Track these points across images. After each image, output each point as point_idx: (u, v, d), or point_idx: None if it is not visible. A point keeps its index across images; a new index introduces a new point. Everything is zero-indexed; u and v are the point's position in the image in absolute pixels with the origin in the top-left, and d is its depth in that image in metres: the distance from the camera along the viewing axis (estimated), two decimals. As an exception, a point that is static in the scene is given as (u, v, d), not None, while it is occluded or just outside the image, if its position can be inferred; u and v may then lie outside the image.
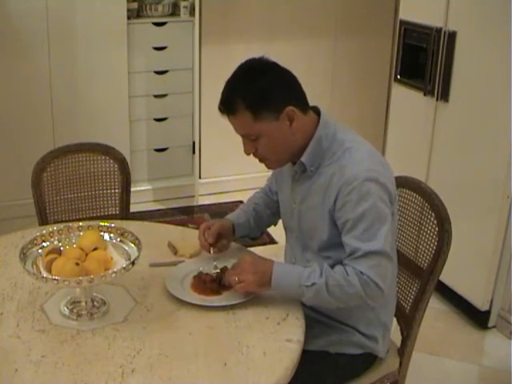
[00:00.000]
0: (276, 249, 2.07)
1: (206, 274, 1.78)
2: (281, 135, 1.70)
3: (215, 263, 1.84)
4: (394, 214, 1.72)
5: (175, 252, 1.96)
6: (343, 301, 1.67)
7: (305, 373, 1.65)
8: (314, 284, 1.63)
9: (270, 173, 2.01)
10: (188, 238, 2.03)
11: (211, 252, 1.88)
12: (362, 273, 1.61)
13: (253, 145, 1.72)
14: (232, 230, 1.95)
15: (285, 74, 1.73)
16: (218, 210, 4.13)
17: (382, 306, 1.82)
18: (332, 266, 1.70)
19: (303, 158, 1.74)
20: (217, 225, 1.91)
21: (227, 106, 1.69)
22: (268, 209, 2.03)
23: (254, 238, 2.06)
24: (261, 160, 1.78)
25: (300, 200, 1.80)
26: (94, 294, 1.69)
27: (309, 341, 1.68)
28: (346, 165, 1.68)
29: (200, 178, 4.28)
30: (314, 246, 1.78)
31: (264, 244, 3.61)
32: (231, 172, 4.40)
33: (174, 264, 1.87)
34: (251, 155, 1.77)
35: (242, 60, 1.78)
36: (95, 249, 1.69)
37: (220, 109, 1.72)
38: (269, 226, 2.08)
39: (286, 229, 1.94)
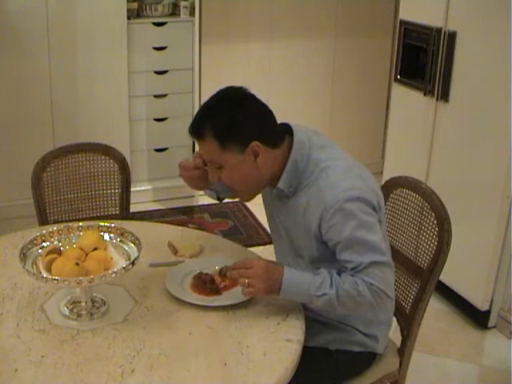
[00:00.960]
0: (271, 252, 2.06)
1: (206, 274, 1.78)
2: (244, 169, 1.69)
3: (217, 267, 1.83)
4: (381, 222, 1.71)
5: (175, 252, 1.96)
6: (352, 309, 1.70)
7: (305, 370, 1.64)
8: (324, 294, 1.62)
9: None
10: (188, 237, 2.02)
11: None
12: (371, 284, 1.61)
13: (217, 173, 1.71)
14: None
15: (258, 109, 1.71)
16: (218, 210, 4.14)
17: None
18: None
19: (280, 185, 1.73)
20: (198, 155, 1.83)
21: (196, 129, 1.70)
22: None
23: (220, 198, 2.01)
24: (229, 188, 1.79)
25: (283, 216, 1.81)
26: (94, 294, 1.69)
27: (308, 338, 1.68)
28: (323, 187, 1.67)
29: (200, 178, 4.27)
30: (305, 257, 1.78)
31: (264, 244, 3.61)
32: (231, 172, 4.39)
33: (174, 264, 1.87)
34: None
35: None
36: (95, 249, 1.69)
37: (189, 131, 1.72)
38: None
39: (273, 235, 1.93)
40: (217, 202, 2.04)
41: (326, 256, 1.71)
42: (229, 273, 1.68)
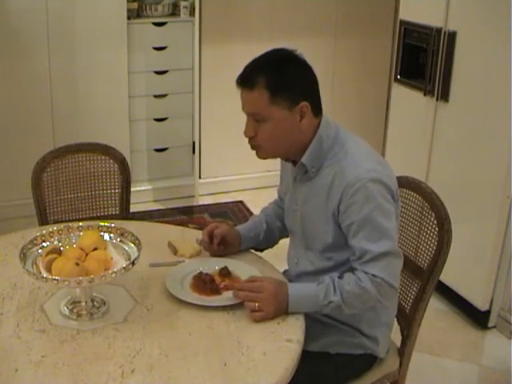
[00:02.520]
0: (276, 249, 2.06)
1: (206, 274, 1.78)
2: (287, 127, 1.69)
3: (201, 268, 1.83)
4: (396, 215, 1.72)
5: (175, 252, 1.96)
6: (360, 308, 1.70)
7: (305, 373, 1.65)
8: (330, 302, 1.64)
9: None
10: (188, 237, 2.02)
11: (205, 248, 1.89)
12: (374, 276, 1.61)
13: (255, 127, 1.70)
14: (238, 241, 1.94)
15: (310, 73, 1.73)
16: (218, 210, 4.14)
17: (383, 306, 1.82)
18: (333, 267, 1.71)
19: (303, 159, 1.73)
20: (225, 229, 1.91)
21: (247, 79, 1.67)
22: (279, 221, 2.01)
23: (262, 249, 2.03)
24: (254, 147, 1.75)
25: (302, 202, 1.80)
26: (94, 294, 1.69)
27: (309, 341, 1.68)
28: (347, 166, 1.67)
29: (200, 178, 4.28)
30: (317, 247, 1.78)
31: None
32: (231, 172, 4.40)
33: (174, 264, 1.87)
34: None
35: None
36: (95, 249, 1.69)
37: (238, 81, 1.69)
38: (280, 238, 2.05)
39: (289, 231, 1.94)
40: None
41: (339, 244, 1.71)
42: (235, 293, 1.67)
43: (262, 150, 1.75)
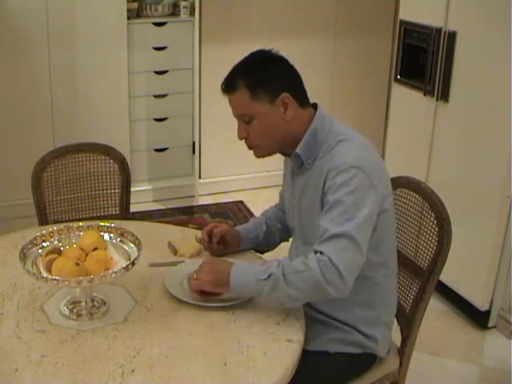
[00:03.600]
0: (277, 249, 2.06)
1: None
2: (273, 120, 1.74)
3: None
4: (387, 211, 1.72)
5: (175, 252, 1.96)
6: (303, 290, 1.58)
7: (305, 373, 1.65)
8: (270, 275, 1.59)
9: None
10: (188, 237, 2.03)
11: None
12: (322, 253, 1.56)
13: (246, 128, 1.75)
14: (237, 241, 1.96)
15: (288, 67, 1.78)
16: (218, 210, 4.14)
17: (382, 305, 1.83)
18: None
19: (298, 149, 1.76)
20: (224, 228, 1.93)
21: (229, 83, 1.75)
22: (279, 223, 2.02)
23: (261, 251, 2.04)
24: (250, 147, 1.80)
25: (299, 194, 1.81)
26: (94, 294, 1.69)
27: (309, 340, 1.68)
28: (336, 153, 1.70)
29: (200, 177, 4.28)
30: (313, 243, 1.77)
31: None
32: (231, 172, 4.40)
33: (174, 264, 1.88)
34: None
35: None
36: (95, 249, 1.69)
37: (222, 87, 1.77)
38: (281, 241, 2.06)
39: (290, 228, 1.95)
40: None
41: None
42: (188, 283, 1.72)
43: (257, 148, 1.80)
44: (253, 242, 1.99)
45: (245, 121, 1.75)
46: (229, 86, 1.75)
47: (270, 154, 1.82)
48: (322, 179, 1.70)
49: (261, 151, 1.81)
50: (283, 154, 1.85)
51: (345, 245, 1.57)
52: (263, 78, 1.73)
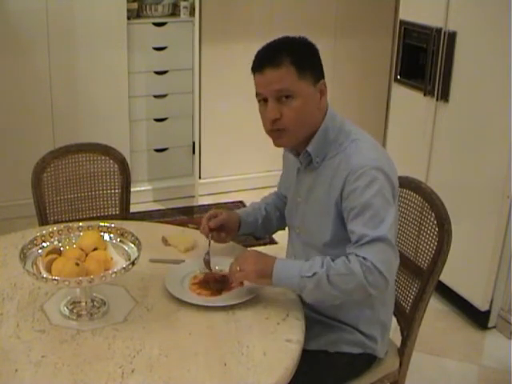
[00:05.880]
0: (277, 249, 2.07)
1: (212, 273, 1.79)
2: (312, 104, 1.71)
3: (207, 257, 1.83)
4: (395, 211, 1.72)
5: (166, 243, 1.98)
6: (345, 291, 1.61)
7: (305, 373, 1.65)
8: (315, 274, 1.60)
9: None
10: (182, 232, 2.03)
11: (208, 238, 1.88)
12: (364, 259, 1.58)
13: (280, 109, 1.68)
14: (238, 225, 1.95)
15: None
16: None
17: (380, 304, 1.82)
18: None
19: (309, 147, 1.73)
20: (224, 215, 1.91)
21: (273, 55, 1.68)
22: (278, 210, 2.02)
23: (259, 237, 2.05)
24: (276, 132, 1.71)
25: (305, 193, 1.80)
26: (94, 294, 1.69)
27: (309, 340, 1.68)
28: (352, 154, 1.68)
29: (200, 178, 4.28)
30: (316, 244, 1.77)
31: (264, 244, 3.61)
32: (231, 172, 4.40)
33: (175, 261, 1.88)
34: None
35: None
36: (95, 249, 1.69)
37: (259, 63, 1.69)
38: (278, 229, 2.06)
39: (288, 226, 1.94)
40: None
41: (339, 239, 1.70)
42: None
43: (286, 133, 1.71)
44: (251, 227, 1.99)
45: (281, 99, 1.67)
46: (272, 60, 1.66)
47: (294, 143, 1.76)
48: (339, 182, 1.67)
49: (289, 137, 1.72)
50: (296, 147, 1.80)
51: (383, 247, 1.60)
52: (310, 60, 1.71)
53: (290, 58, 1.66)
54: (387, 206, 1.64)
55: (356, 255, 1.60)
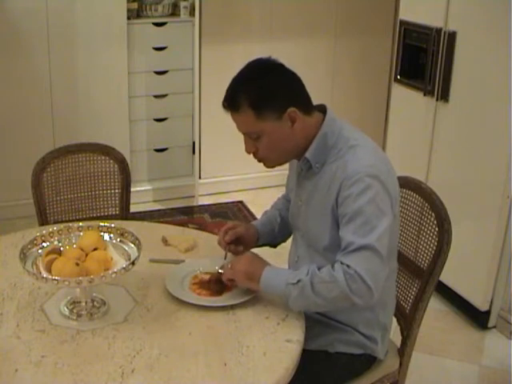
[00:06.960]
0: (277, 249, 2.06)
1: (213, 273, 1.79)
2: (282, 136, 1.70)
3: (220, 270, 1.80)
4: (395, 217, 1.71)
5: (166, 243, 1.98)
6: (329, 299, 1.60)
7: (305, 373, 1.65)
8: (299, 281, 1.61)
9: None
10: (181, 232, 2.02)
11: (226, 250, 1.87)
12: (348, 266, 1.57)
13: (254, 144, 1.72)
14: (256, 238, 1.96)
15: (289, 76, 1.73)
16: (218, 211, 4.14)
17: (381, 306, 1.82)
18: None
19: (307, 154, 1.74)
20: (241, 228, 1.92)
21: (231, 102, 1.70)
22: None
23: (276, 245, 2.04)
24: (260, 160, 1.78)
25: (306, 197, 1.80)
26: (94, 294, 1.69)
27: (308, 340, 1.68)
28: (349, 160, 1.68)
29: (200, 178, 4.28)
30: (318, 246, 1.78)
31: (264, 245, 3.61)
32: (231, 172, 4.40)
33: (175, 262, 1.88)
34: (251, 156, 1.77)
35: (242, 60, 1.78)
36: (95, 249, 1.69)
37: (224, 105, 1.72)
38: (290, 234, 2.05)
39: (292, 227, 1.94)
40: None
41: (338, 244, 1.68)
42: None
43: (267, 161, 1.78)
44: (269, 237, 2.00)
45: (252, 138, 1.71)
46: (231, 104, 1.69)
47: (281, 163, 1.80)
48: (335, 187, 1.68)
49: (271, 163, 1.78)
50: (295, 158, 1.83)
51: (369, 256, 1.59)
52: (267, 95, 1.67)
53: (247, 102, 1.65)
54: (380, 214, 1.62)
55: (341, 263, 1.59)
